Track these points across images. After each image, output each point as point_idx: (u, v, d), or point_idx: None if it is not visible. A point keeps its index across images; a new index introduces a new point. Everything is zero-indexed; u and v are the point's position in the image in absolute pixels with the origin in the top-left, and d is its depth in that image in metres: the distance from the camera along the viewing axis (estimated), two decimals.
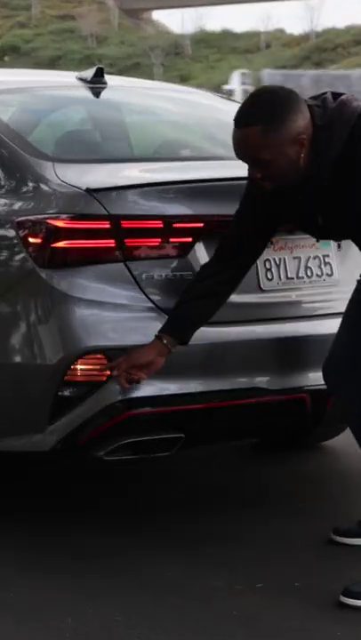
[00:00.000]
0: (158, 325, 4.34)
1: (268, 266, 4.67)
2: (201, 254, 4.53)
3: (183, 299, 4.33)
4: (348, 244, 4.86)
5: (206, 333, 4.46)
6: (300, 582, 4.20)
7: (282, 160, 3.96)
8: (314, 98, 4.10)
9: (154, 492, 5.38)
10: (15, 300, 4.50)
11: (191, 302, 4.32)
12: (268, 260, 4.67)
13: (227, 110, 6.18)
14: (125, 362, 4.23)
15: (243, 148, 4.06)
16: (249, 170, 4.10)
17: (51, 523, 4.89)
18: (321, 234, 4.36)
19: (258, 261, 4.61)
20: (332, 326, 4.69)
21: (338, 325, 4.69)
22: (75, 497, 5.29)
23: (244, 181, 4.62)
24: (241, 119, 4.02)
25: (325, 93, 4.09)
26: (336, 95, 4.06)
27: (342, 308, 4.78)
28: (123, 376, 4.22)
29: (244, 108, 4.07)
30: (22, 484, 5.33)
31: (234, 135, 4.07)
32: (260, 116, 3.93)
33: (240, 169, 5.00)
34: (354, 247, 4.82)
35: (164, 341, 4.24)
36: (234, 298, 4.55)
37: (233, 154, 5.47)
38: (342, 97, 4.05)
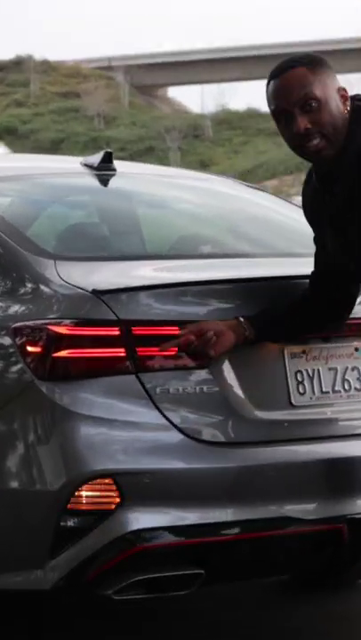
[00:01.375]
0: (175, 446, 4.37)
1: (300, 378, 4.66)
2: (225, 365, 4.52)
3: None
4: None
5: (230, 455, 4.47)
6: None
7: (331, 103, 4.16)
8: None
9: (169, 631, 5.34)
10: (12, 417, 4.48)
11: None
12: (299, 371, 4.67)
13: (253, 200, 6.25)
14: (195, 326, 4.33)
15: (291, 91, 4.16)
16: (297, 124, 4.14)
17: None
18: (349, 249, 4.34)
19: (288, 371, 4.65)
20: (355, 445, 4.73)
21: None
22: (78, 633, 5.27)
23: (272, 281, 4.70)
24: (284, 65, 4.24)
25: None
26: None
27: None
28: (191, 347, 4.31)
29: (284, 61, 4.29)
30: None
31: (276, 85, 4.21)
32: (307, 60, 4.22)
33: (267, 267, 5.08)
34: None
35: (241, 319, 4.38)
36: (261, 415, 4.57)
37: (259, 250, 5.54)
38: None
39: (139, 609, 5.43)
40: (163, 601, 5.21)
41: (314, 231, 4.52)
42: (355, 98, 4.27)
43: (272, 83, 4.21)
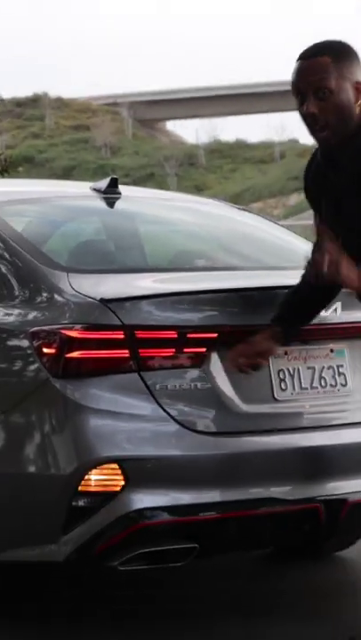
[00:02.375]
0: (172, 436, 4.39)
1: (282, 376, 4.67)
2: (216, 364, 4.53)
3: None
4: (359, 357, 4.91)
5: (221, 443, 4.48)
6: None
7: (342, 96, 4.06)
8: None
9: (168, 598, 5.34)
10: (29, 410, 4.50)
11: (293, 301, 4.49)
12: (282, 370, 4.67)
13: (241, 220, 6.26)
14: (244, 349, 4.39)
15: (309, 76, 4.09)
16: (306, 107, 4.10)
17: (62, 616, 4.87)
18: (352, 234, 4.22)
19: (272, 370, 4.65)
20: (346, 437, 4.73)
21: (350, 435, 4.75)
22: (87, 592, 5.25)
23: (259, 291, 4.70)
24: (311, 50, 4.13)
25: None
26: None
27: (356, 418, 4.82)
28: (243, 362, 4.37)
29: (315, 44, 4.17)
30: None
31: (299, 67, 4.13)
32: (333, 50, 4.09)
33: (255, 279, 5.08)
34: None
35: (278, 329, 4.40)
36: (248, 408, 4.57)
37: (246, 264, 5.53)
38: None
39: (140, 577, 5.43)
40: (161, 571, 5.21)
41: (312, 206, 4.44)
42: None
43: (298, 63, 4.14)
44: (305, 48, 4.17)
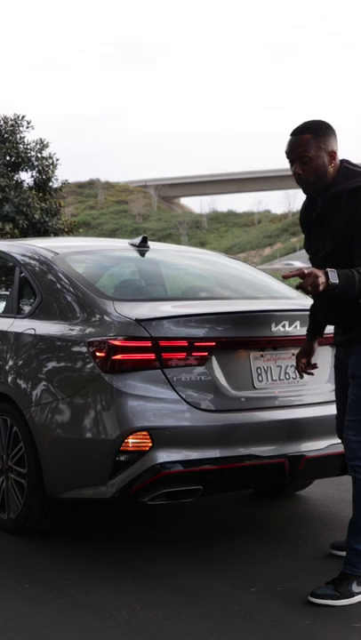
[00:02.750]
0: (184, 412, 4.40)
1: (259, 372, 4.67)
2: (215, 363, 4.53)
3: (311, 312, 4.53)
4: (314, 356, 4.90)
5: (218, 417, 4.48)
6: (281, 587, 4.19)
7: (319, 162, 4.06)
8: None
9: (184, 523, 5.32)
10: (87, 395, 4.49)
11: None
12: (259, 367, 4.68)
13: (231, 266, 6.26)
14: (299, 356, 4.57)
15: (296, 148, 4.10)
16: (294, 168, 4.14)
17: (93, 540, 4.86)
18: (317, 258, 4.21)
19: (252, 367, 4.66)
20: (301, 413, 4.76)
21: (306, 412, 4.76)
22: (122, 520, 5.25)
23: (244, 314, 4.72)
24: (299, 129, 4.12)
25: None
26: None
27: (309, 400, 4.83)
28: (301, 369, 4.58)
29: (301, 124, 4.15)
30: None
31: (290, 141, 4.14)
32: (313, 129, 4.07)
33: (240, 305, 5.08)
34: (320, 357, 4.86)
35: (311, 336, 4.54)
36: (236, 393, 4.57)
37: (235, 295, 5.54)
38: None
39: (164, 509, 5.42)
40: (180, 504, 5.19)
41: (304, 233, 4.45)
42: (344, 160, 4.18)
43: (290, 137, 4.14)
44: (295, 127, 4.17)
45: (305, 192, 4.24)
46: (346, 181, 4.07)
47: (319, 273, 3.73)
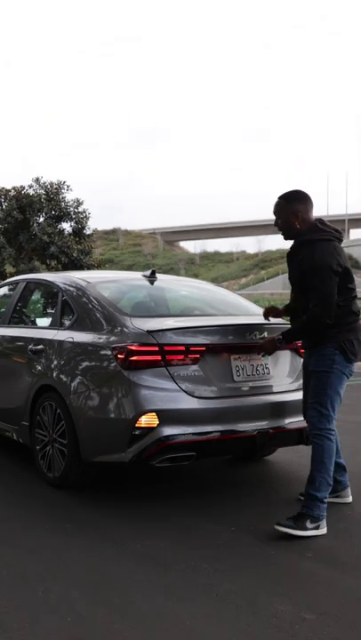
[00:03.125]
0: (182, 399, 4.38)
1: (237, 368, 4.66)
2: (205, 362, 4.52)
3: None
4: (277, 358, 4.90)
5: (207, 402, 4.46)
6: (253, 527, 4.18)
7: (289, 218, 4.31)
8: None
9: (183, 482, 5.31)
10: (111, 386, 4.48)
11: None
12: (237, 365, 4.67)
13: (217, 291, 6.26)
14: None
15: (275, 208, 4.38)
16: (275, 221, 4.38)
17: (112, 499, 4.86)
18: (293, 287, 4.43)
19: (232, 365, 4.65)
20: (268, 399, 4.75)
21: (271, 399, 4.75)
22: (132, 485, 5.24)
23: (226, 326, 4.74)
24: (280, 196, 4.38)
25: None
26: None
27: (274, 390, 4.82)
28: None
29: (283, 194, 4.39)
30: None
31: (275, 203, 4.38)
32: (285, 196, 4.36)
33: (223, 320, 5.08)
34: (281, 358, 4.87)
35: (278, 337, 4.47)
36: (220, 384, 4.56)
37: (219, 312, 5.53)
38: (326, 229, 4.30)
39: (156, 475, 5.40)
40: (180, 467, 5.14)
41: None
42: (317, 219, 4.36)
43: (275, 203, 4.38)
44: (279, 196, 4.39)
45: (284, 238, 4.43)
46: (310, 235, 4.25)
47: (270, 347, 4.49)
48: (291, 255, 4.37)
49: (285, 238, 4.39)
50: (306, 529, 4.01)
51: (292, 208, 4.29)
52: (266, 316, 4.82)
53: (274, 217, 4.38)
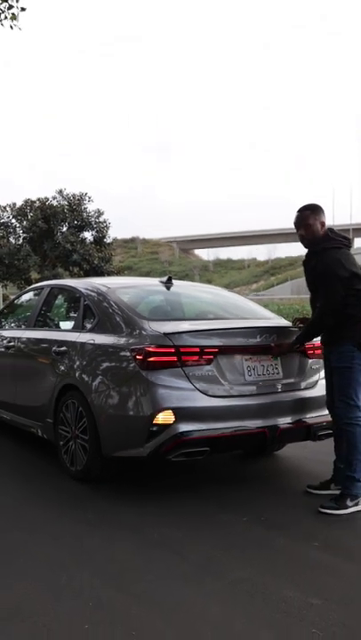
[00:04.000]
0: (196, 397, 4.38)
1: (248, 369, 4.66)
2: (218, 363, 4.52)
3: None
4: (286, 359, 4.90)
5: (220, 401, 4.46)
6: (264, 517, 4.19)
7: (314, 228, 4.44)
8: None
9: (198, 475, 5.31)
10: (130, 385, 4.49)
11: None
12: (248, 366, 4.67)
13: (229, 296, 6.26)
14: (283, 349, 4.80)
15: (300, 220, 4.47)
16: (299, 232, 4.49)
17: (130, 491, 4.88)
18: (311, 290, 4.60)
19: (244, 366, 4.65)
20: (277, 397, 4.73)
21: (281, 397, 4.75)
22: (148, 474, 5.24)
23: (238, 329, 4.75)
24: (302, 207, 4.50)
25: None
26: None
27: (285, 388, 4.81)
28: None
29: (304, 205, 4.51)
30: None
31: (298, 215, 4.49)
32: (311, 208, 4.49)
33: (235, 323, 5.07)
34: (290, 359, 4.87)
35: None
36: (232, 384, 4.55)
37: (233, 316, 5.52)
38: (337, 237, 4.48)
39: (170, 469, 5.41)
40: (195, 461, 5.14)
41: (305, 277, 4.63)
42: (328, 228, 4.51)
43: (297, 213, 4.50)
44: (301, 206, 4.52)
45: (305, 247, 4.54)
46: (323, 244, 4.42)
47: (287, 349, 4.74)
48: (305, 263, 4.55)
49: (307, 247, 4.52)
50: (347, 507, 4.25)
51: (319, 218, 4.49)
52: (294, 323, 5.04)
53: (295, 227, 4.53)
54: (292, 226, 4.58)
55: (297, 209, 4.53)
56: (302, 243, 4.54)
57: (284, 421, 4.67)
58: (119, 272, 28.81)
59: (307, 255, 4.53)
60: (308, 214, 4.48)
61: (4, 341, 6.39)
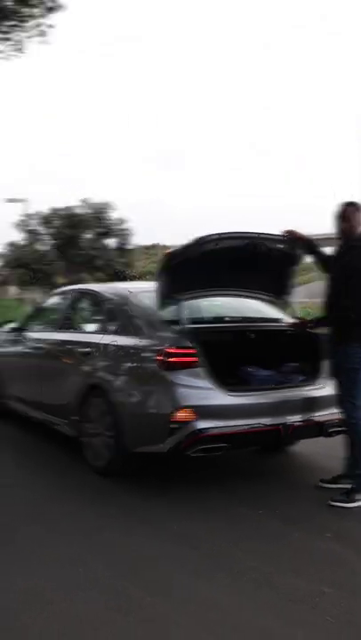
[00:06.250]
0: (215, 395, 4.38)
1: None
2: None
3: None
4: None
5: (238, 399, 4.48)
6: (279, 510, 4.21)
7: (354, 222, 4.38)
8: None
9: (217, 470, 5.30)
10: (151, 385, 4.51)
11: None
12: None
13: (244, 300, 6.20)
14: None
15: (344, 213, 4.40)
16: (340, 224, 4.40)
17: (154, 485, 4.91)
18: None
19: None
20: (291, 396, 4.72)
21: (294, 396, 4.73)
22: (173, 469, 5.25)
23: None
24: (348, 202, 4.43)
25: None
26: None
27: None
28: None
29: (350, 201, 4.45)
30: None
31: (342, 209, 4.41)
32: (355, 204, 4.43)
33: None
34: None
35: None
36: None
37: (249, 319, 5.44)
38: None
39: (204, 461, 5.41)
40: (215, 457, 5.14)
41: (328, 270, 4.58)
42: None
43: (342, 206, 4.41)
44: (348, 200, 4.44)
45: (341, 240, 4.49)
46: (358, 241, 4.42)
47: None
48: (337, 258, 4.47)
49: (345, 241, 4.44)
50: (356, 500, 4.27)
51: (360, 216, 4.44)
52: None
53: (337, 219, 4.44)
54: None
55: (343, 202, 4.49)
56: (340, 235, 4.47)
57: (298, 419, 4.65)
58: (141, 277, 28.89)
59: (339, 250, 4.45)
60: (353, 210, 4.42)
61: (33, 343, 6.45)
